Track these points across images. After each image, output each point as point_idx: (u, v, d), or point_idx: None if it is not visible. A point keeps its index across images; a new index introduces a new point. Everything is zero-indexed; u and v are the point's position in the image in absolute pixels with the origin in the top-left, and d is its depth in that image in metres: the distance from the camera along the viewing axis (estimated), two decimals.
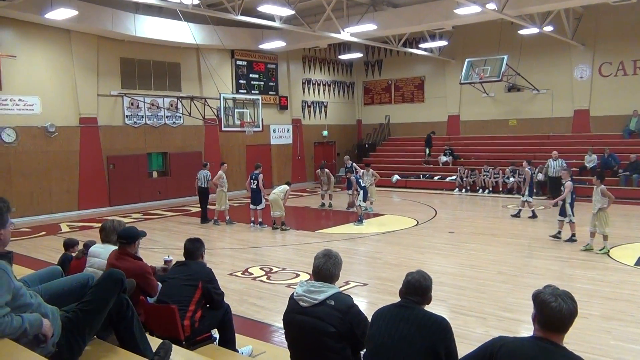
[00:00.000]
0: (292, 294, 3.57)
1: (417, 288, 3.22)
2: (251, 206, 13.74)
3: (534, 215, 13.93)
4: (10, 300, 2.80)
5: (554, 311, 2.46)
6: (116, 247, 4.55)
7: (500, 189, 19.27)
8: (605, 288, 7.81)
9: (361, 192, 13.85)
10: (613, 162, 18.00)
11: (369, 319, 3.34)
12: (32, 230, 13.80)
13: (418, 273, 3.30)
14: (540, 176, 17.54)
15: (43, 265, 7.04)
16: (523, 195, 14.22)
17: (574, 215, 10.79)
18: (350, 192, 15.93)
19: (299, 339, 3.52)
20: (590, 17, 19.58)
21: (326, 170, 17.06)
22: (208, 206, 14.62)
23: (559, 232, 11.10)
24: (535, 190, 15.58)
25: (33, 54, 15.63)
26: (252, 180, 13.63)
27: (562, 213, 10.93)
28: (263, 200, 13.53)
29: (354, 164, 16.78)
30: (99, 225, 5.14)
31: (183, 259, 4.83)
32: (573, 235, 10.80)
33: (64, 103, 16.37)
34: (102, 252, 4.55)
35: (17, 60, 15.23)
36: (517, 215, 14.16)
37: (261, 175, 13.65)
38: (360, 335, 3.33)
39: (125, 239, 4.52)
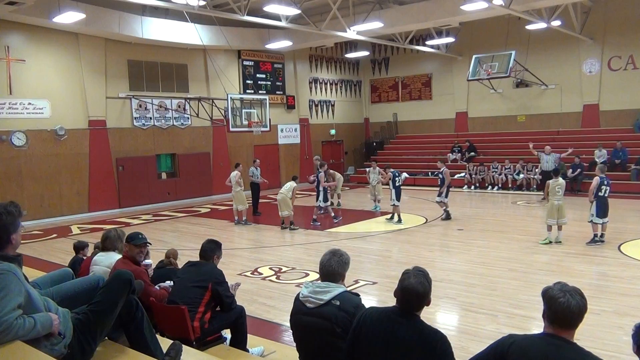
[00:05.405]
0: (298, 294, 3.56)
1: (412, 296, 2.88)
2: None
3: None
4: (22, 303, 2.82)
5: (563, 307, 2.45)
6: (118, 255, 4.61)
7: (510, 185, 19.15)
8: (617, 284, 7.75)
9: (393, 191, 13.47)
10: (622, 156, 17.86)
11: None
12: (44, 233, 13.92)
13: (415, 276, 2.90)
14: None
15: (55, 268, 7.08)
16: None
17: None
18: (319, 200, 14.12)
19: (306, 340, 3.52)
20: (599, 10, 19.40)
21: (331, 170, 16.98)
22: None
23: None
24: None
25: (42, 58, 15.76)
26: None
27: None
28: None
29: (323, 168, 14.28)
30: (110, 227, 5.18)
31: (189, 260, 4.87)
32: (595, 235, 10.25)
33: (73, 106, 16.48)
34: (103, 259, 4.58)
35: (27, 64, 15.37)
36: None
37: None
38: None
39: (132, 239, 4.67)
